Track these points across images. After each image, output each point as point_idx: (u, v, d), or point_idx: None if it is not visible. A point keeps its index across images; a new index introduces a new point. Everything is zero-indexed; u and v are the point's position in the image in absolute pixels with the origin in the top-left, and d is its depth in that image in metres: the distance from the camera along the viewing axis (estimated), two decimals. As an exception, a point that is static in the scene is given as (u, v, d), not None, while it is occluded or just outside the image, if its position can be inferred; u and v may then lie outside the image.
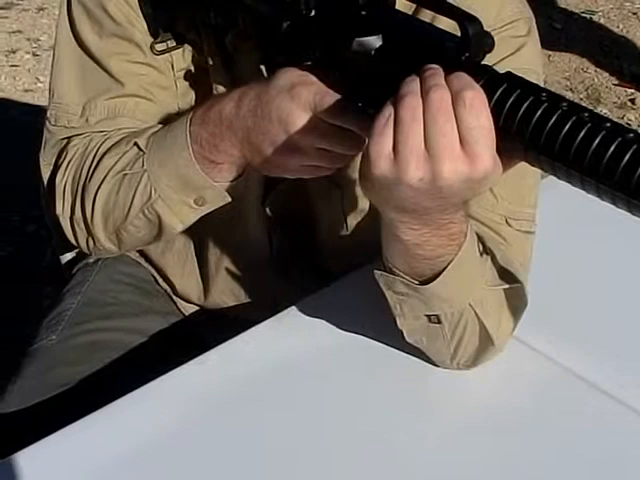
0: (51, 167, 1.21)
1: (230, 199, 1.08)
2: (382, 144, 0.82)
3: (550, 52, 3.83)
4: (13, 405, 1.25)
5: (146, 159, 1.09)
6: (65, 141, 1.20)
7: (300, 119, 0.95)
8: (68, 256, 1.60)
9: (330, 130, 0.94)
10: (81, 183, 1.16)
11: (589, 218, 1.16)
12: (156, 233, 1.14)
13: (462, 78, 0.81)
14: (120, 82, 1.18)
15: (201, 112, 1.05)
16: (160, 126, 1.14)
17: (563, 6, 4.33)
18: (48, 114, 1.23)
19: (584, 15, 4.27)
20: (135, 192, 1.10)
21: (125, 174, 1.11)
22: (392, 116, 0.82)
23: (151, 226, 1.13)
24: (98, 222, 1.15)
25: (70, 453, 1.02)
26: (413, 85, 0.82)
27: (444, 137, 0.80)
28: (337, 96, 0.93)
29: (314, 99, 0.94)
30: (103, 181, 1.13)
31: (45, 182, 1.22)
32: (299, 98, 0.94)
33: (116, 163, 1.12)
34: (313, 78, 0.95)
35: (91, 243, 1.18)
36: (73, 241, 1.20)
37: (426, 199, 0.84)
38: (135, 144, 1.11)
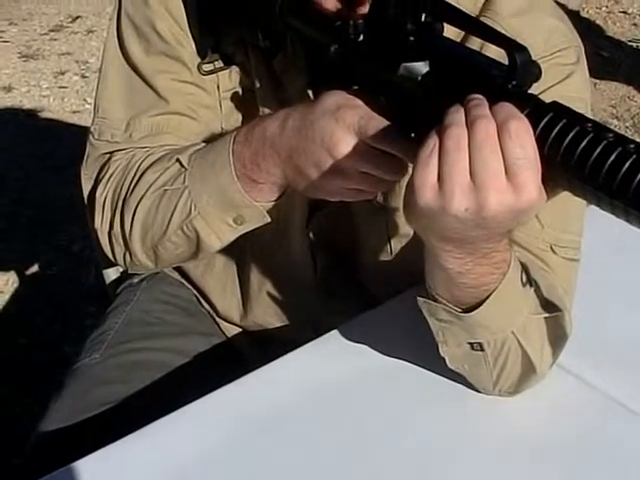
0: (92, 181, 1.21)
1: (269, 220, 1.08)
2: (427, 174, 0.82)
3: (596, 80, 3.81)
4: (55, 423, 1.25)
5: (188, 175, 1.09)
6: (107, 155, 1.21)
7: (344, 142, 0.94)
8: (112, 276, 1.61)
9: (374, 154, 0.94)
10: (121, 197, 1.16)
11: (637, 245, 1.15)
12: (194, 251, 1.14)
13: (507, 108, 0.81)
14: (165, 99, 1.18)
15: (245, 131, 1.05)
16: (203, 144, 1.14)
17: (610, 34, 4.32)
18: (92, 128, 1.23)
19: (631, 43, 4.25)
20: (175, 208, 1.10)
21: (166, 190, 1.11)
22: (437, 146, 0.81)
23: (189, 243, 1.12)
24: (136, 237, 1.15)
25: (109, 472, 1.03)
26: (458, 115, 0.82)
27: (489, 168, 0.80)
28: (382, 120, 0.93)
29: (359, 122, 0.94)
30: (143, 196, 1.13)
31: (85, 196, 1.22)
32: (344, 121, 0.94)
33: (157, 179, 1.12)
34: (359, 102, 0.95)
35: (128, 258, 1.18)
36: (110, 256, 1.20)
37: (471, 229, 0.84)
38: (177, 160, 1.11)
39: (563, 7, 1.19)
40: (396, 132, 0.92)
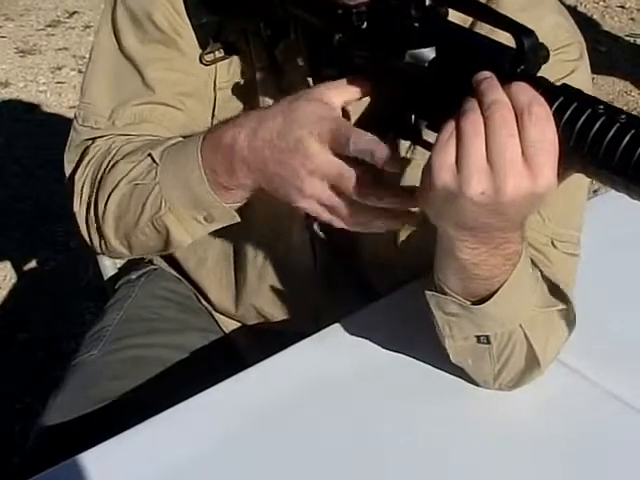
0: (73, 164, 1.21)
1: (239, 219, 1.08)
2: (445, 155, 0.82)
3: (594, 75, 3.77)
4: (54, 419, 1.25)
5: (159, 171, 1.08)
6: (90, 141, 1.20)
7: (317, 152, 0.93)
8: (110, 272, 1.61)
9: (347, 167, 0.93)
10: (96, 183, 1.16)
11: (636, 240, 1.15)
12: (164, 244, 1.13)
13: (527, 91, 0.80)
14: (152, 89, 1.18)
15: (213, 137, 1.03)
16: (179, 139, 1.12)
17: (607, 29, 4.32)
18: (76, 113, 1.23)
19: (628, 38, 4.25)
20: (145, 202, 1.10)
21: (137, 184, 1.11)
22: (454, 130, 0.82)
23: (159, 237, 1.12)
24: (110, 224, 1.15)
25: (108, 468, 1.02)
26: (475, 101, 0.82)
27: (507, 152, 0.79)
28: (358, 130, 0.92)
29: (334, 133, 0.92)
30: (116, 186, 1.12)
31: (66, 180, 1.22)
32: (319, 132, 0.93)
33: (130, 171, 1.12)
34: (336, 112, 0.95)
35: (103, 244, 1.18)
36: (87, 240, 1.20)
37: (486, 214, 0.84)
38: (149, 155, 1.10)
39: (560, 1, 1.19)
40: (373, 142, 0.91)
